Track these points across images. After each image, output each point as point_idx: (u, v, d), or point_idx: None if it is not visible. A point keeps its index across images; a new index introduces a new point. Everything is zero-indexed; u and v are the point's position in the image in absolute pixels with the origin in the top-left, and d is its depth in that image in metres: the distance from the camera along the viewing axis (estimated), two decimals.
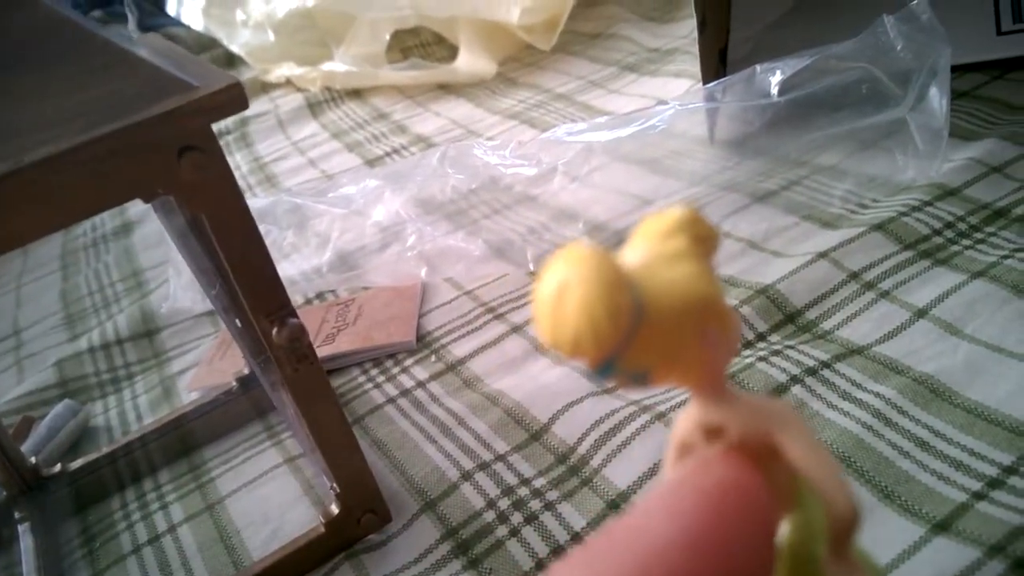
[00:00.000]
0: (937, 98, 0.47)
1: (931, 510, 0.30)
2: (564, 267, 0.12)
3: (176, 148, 0.26)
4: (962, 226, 0.44)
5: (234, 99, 0.26)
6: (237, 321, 0.36)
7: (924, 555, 0.28)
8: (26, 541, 0.37)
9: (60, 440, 0.43)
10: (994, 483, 0.30)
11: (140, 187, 0.26)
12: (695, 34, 0.57)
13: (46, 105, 0.28)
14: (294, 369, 0.30)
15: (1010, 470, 0.31)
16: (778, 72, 0.47)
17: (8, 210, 0.24)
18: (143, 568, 0.36)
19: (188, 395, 0.47)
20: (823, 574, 0.14)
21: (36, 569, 0.35)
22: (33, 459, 0.40)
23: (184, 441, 0.42)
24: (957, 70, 0.58)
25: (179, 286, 0.52)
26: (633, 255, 0.13)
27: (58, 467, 0.40)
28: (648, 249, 0.13)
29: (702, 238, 0.13)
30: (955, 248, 0.43)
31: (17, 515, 0.38)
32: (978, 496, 0.30)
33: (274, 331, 0.29)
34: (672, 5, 0.91)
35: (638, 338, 0.12)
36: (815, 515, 0.14)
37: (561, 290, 0.12)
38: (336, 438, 0.32)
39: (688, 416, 0.15)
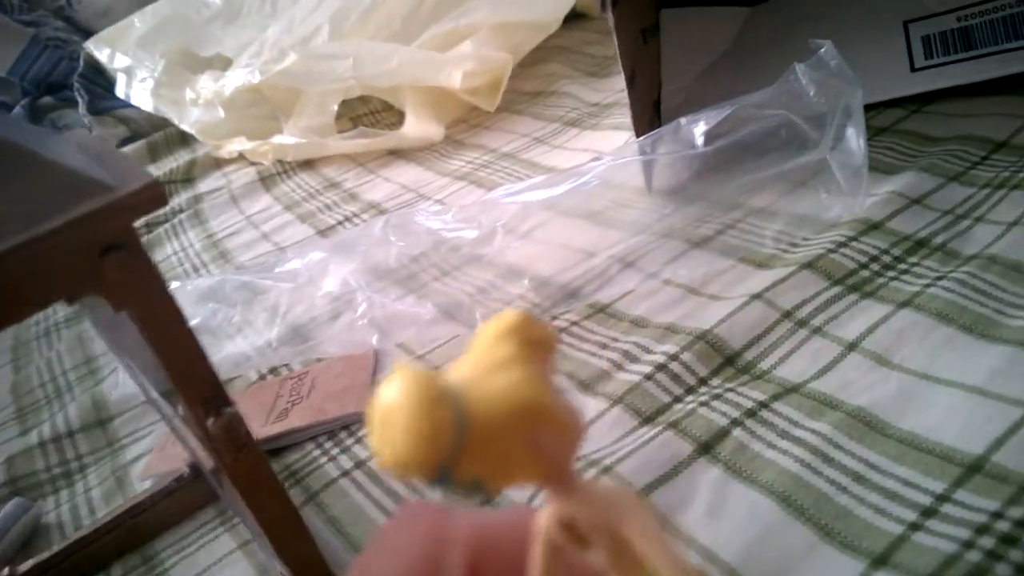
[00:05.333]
0: (854, 138, 0.49)
1: (870, 545, 0.30)
2: (389, 391, 0.13)
3: (98, 249, 0.27)
4: (886, 258, 0.45)
5: (153, 197, 0.27)
6: (179, 408, 0.36)
7: None
8: None
9: (10, 540, 0.43)
10: (928, 512, 0.31)
11: (64, 290, 0.26)
12: None
13: None
14: (233, 458, 0.30)
15: (942, 498, 0.31)
16: (701, 123, 0.49)
17: None
18: None
19: (141, 484, 0.46)
20: None
21: None
22: None
23: (137, 533, 0.42)
24: (876, 107, 0.61)
25: (128, 372, 0.52)
26: (464, 365, 0.14)
27: (6, 571, 0.39)
28: (478, 358, 0.14)
29: (534, 341, 0.14)
30: (881, 280, 0.44)
31: None
32: (914, 527, 0.31)
33: (210, 422, 0.29)
34: (612, 60, 0.94)
35: (466, 450, 0.13)
36: None
37: (385, 414, 0.13)
38: (283, 524, 0.32)
39: (547, 514, 0.15)
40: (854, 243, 0.47)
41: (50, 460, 0.50)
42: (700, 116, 0.49)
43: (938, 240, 0.46)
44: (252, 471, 0.31)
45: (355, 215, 0.74)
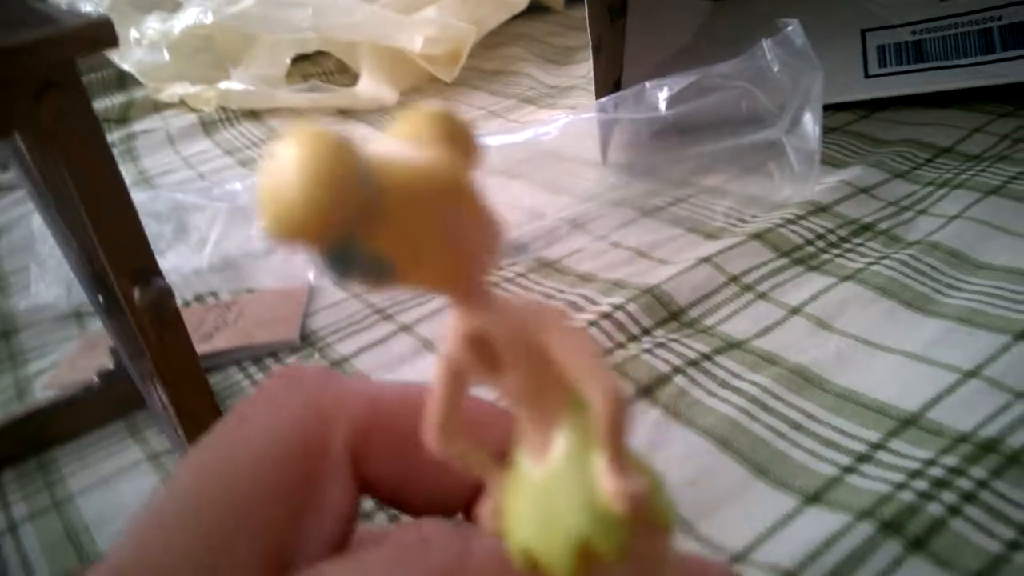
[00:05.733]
0: (810, 123, 0.50)
1: (804, 484, 0.30)
2: (285, 144, 0.11)
3: (35, 85, 0.25)
4: (832, 237, 0.46)
5: (102, 34, 0.25)
6: (100, 298, 0.33)
7: (797, 524, 0.29)
8: None
9: None
10: (863, 458, 0.31)
11: None
12: (592, 74, 0.59)
13: None
14: (158, 338, 0.28)
15: (877, 446, 0.32)
16: (666, 88, 0.49)
17: None
18: None
19: (44, 395, 0.43)
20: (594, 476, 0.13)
21: None
22: None
23: (34, 439, 0.39)
24: (829, 108, 0.62)
25: (42, 281, 0.48)
26: (377, 145, 0.12)
27: None
28: (391, 138, 0.12)
29: (454, 135, 0.12)
30: (826, 256, 0.45)
31: None
32: (848, 470, 0.31)
33: (136, 293, 0.27)
34: (572, 50, 0.95)
35: (375, 217, 0.11)
36: (586, 423, 0.13)
37: (280, 164, 0.10)
38: (203, 419, 0.30)
39: (452, 331, 0.13)
40: (802, 221, 0.47)
41: None
42: (665, 82, 0.49)
43: (883, 226, 0.47)
44: (177, 356, 0.29)
45: None
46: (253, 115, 0.87)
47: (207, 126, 0.86)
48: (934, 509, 0.28)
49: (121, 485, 0.36)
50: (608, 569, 0.13)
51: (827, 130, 0.60)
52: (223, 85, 0.86)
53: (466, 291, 0.13)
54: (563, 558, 0.13)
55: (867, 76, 0.63)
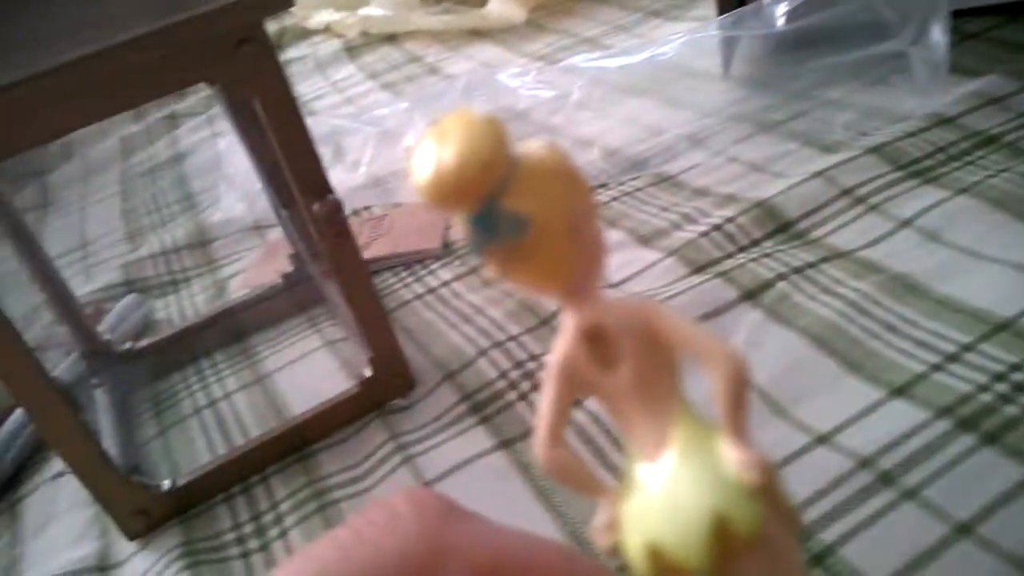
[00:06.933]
0: (937, 33, 0.50)
1: (892, 378, 0.34)
2: (448, 116, 0.13)
3: (234, 40, 0.30)
4: (953, 150, 0.47)
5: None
6: (284, 212, 0.40)
7: (880, 414, 0.32)
8: (102, 402, 0.42)
9: (129, 324, 0.49)
10: (952, 358, 0.34)
11: (203, 74, 0.30)
12: None
13: (114, 5, 0.33)
14: (333, 242, 0.35)
15: (968, 348, 0.34)
16: (784, 3, 0.50)
17: (98, 85, 0.29)
18: (203, 426, 0.42)
19: (238, 293, 0.52)
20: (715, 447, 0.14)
21: (111, 425, 0.41)
22: (108, 336, 0.45)
23: (235, 329, 0.48)
24: (968, 14, 0.60)
25: (230, 198, 0.57)
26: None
27: (128, 345, 0.45)
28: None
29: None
30: (944, 169, 0.45)
31: (94, 381, 0.43)
32: (936, 368, 0.34)
33: (315, 206, 0.33)
34: None
35: (516, 182, 0.13)
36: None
37: (443, 132, 0.12)
38: (369, 307, 0.37)
39: (565, 331, 0.15)
40: (923, 134, 0.48)
41: (159, 269, 0.56)
42: None
43: (1008, 138, 0.47)
44: (347, 256, 0.35)
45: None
46: (392, 39, 0.93)
47: (351, 52, 0.92)
48: (1010, 411, 0.30)
49: (307, 366, 0.44)
50: (741, 563, 0.14)
51: (965, 36, 0.58)
52: (364, 11, 0.92)
53: (582, 284, 0.14)
54: (698, 545, 0.13)
55: None
